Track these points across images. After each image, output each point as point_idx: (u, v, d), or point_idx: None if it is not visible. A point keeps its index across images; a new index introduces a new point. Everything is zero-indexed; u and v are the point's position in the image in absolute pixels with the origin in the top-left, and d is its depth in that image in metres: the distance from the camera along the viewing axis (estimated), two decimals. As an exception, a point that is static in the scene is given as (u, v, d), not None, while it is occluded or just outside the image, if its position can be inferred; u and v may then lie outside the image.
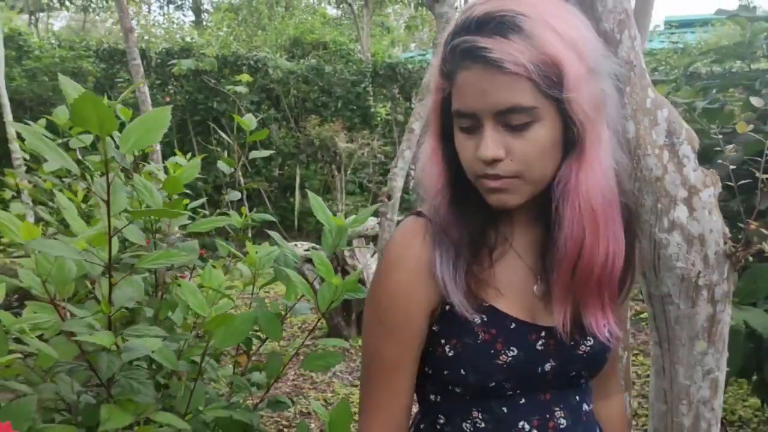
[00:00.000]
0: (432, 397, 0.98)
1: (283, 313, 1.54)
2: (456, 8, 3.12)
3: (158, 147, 4.26)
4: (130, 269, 1.17)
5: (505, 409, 0.92)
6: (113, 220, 1.05)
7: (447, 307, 0.91)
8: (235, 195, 2.22)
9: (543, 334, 0.92)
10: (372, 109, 8.84)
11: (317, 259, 1.41)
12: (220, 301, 1.45)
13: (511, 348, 0.89)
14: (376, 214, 3.88)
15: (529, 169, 0.84)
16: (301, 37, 10.68)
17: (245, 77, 6.75)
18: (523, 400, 0.92)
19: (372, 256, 5.05)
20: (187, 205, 1.75)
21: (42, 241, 0.96)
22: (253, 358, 1.62)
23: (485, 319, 0.90)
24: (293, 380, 4.00)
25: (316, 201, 1.61)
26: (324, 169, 8.21)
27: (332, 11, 15.71)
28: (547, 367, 0.92)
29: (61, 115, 1.81)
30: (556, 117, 0.82)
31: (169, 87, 8.64)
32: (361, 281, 4.72)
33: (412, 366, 0.95)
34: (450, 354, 0.91)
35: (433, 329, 0.93)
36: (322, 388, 3.88)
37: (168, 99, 8.29)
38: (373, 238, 4.74)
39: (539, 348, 0.91)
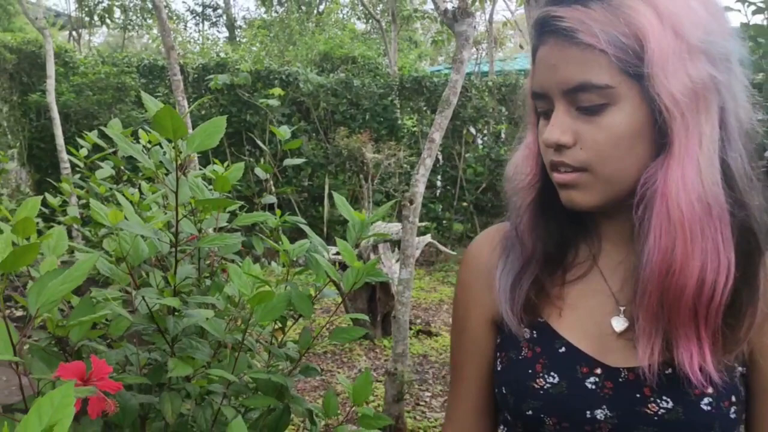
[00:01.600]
0: (501, 427, 0.89)
1: (313, 293, 1.79)
2: (474, 27, 3.37)
3: (195, 157, 4.58)
4: (190, 251, 1.44)
5: None
6: (172, 212, 1.31)
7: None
8: (271, 199, 2.48)
9: (599, 371, 0.77)
10: (399, 121, 9.12)
11: (341, 246, 1.66)
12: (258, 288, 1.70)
13: (552, 374, 0.77)
14: (399, 219, 4.13)
15: (600, 161, 0.72)
16: (331, 51, 11.04)
17: (277, 91, 7.07)
18: None
19: (396, 261, 5.29)
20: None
21: (127, 222, 1.23)
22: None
23: (534, 335, 0.81)
24: (318, 379, 4.25)
25: (339, 199, 1.86)
26: (352, 179, 8.49)
27: (360, 26, 16.10)
28: (600, 415, 0.75)
29: (114, 126, 2.10)
30: (640, 102, 0.70)
31: (205, 100, 9.05)
32: (386, 286, 4.96)
33: (474, 374, 0.88)
34: (498, 369, 0.84)
35: (497, 341, 0.87)
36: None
37: (203, 112, 8.67)
38: (397, 243, 4.98)
39: (589, 386, 0.76)
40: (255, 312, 1.64)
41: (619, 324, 0.78)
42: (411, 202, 3.20)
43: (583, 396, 0.76)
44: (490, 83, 9.41)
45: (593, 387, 0.76)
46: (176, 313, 1.38)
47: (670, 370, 0.73)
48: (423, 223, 4.91)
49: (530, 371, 0.79)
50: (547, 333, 0.80)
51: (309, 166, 8.82)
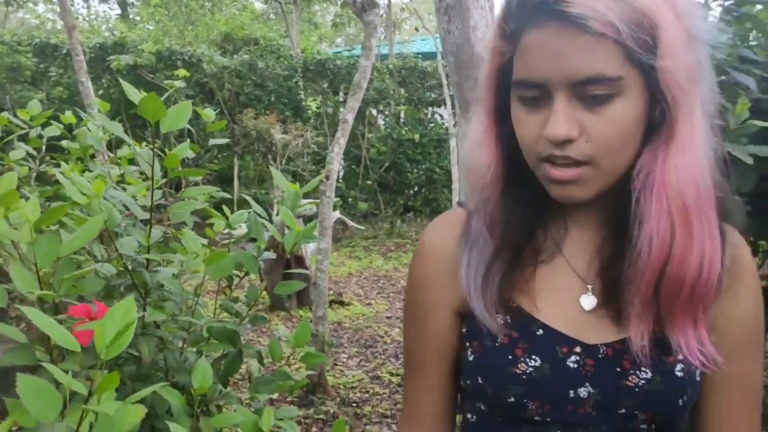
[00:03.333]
0: (469, 415, 0.85)
1: (256, 255, 2.06)
2: (382, 16, 3.68)
3: (104, 141, 4.64)
4: (161, 213, 1.67)
5: None
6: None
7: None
8: (197, 176, 2.70)
9: (579, 350, 0.77)
10: (303, 103, 9.33)
11: (283, 211, 1.94)
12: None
13: (533, 357, 0.76)
14: (315, 195, 4.41)
15: (606, 154, 0.69)
16: (233, 32, 11.04)
17: (183, 72, 7.09)
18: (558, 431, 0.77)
19: (309, 236, 5.56)
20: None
21: (111, 191, 1.46)
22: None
23: (509, 320, 0.78)
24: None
25: (275, 172, 2.13)
26: (259, 160, 8.65)
27: (259, 6, 16.01)
28: (583, 393, 0.76)
29: (33, 108, 2.27)
30: (643, 91, 0.69)
31: (103, 81, 8.87)
32: (300, 259, 5.24)
33: (438, 367, 0.85)
34: (471, 359, 0.80)
35: (462, 331, 0.83)
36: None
37: (101, 92, 8.52)
38: (310, 219, 5.28)
39: (571, 366, 0.76)
40: (208, 270, 1.89)
41: (588, 302, 0.78)
42: (327, 178, 3.50)
43: (566, 376, 0.76)
44: (390, 66, 9.80)
45: (575, 366, 0.76)
46: (148, 268, 1.62)
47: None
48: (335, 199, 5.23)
49: (510, 357, 0.76)
50: (522, 317, 0.78)
51: (214, 148, 8.87)
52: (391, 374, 4.15)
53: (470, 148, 0.80)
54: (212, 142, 2.84)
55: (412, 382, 0.87)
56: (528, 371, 0.76)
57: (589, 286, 0.79)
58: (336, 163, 3.56)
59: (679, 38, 0.67)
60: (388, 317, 5.54)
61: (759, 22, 2.16)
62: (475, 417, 0.83)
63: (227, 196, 2.56)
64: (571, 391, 0.76)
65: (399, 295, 6.30)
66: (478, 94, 0.80)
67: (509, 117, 0.74)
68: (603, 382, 0.75)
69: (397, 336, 4.98)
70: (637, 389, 0.75)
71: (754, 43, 2.25)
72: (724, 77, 1.95)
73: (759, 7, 2.10)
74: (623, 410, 0.75)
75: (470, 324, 0.81)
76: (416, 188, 9.83)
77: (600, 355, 0.76)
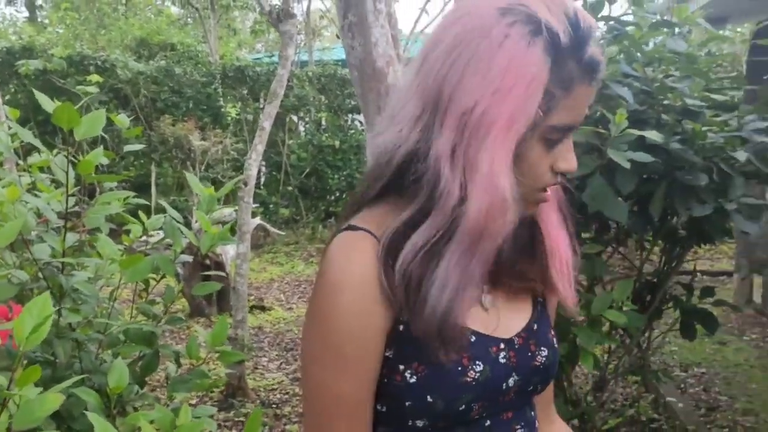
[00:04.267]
0: None
1: (173, 258, 2.12)
2: (297, 26, 3.78)
3: (12, 149, 4.52)
4: (74, 220, 1.72)
5: None
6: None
7: (401, 327, 0.79)
8: (112, 182, 2.71)
9: (503, 346, 0.85)
10: (223, 109, 9.28)
11: (199, 215, 2.01)
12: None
13: (477, 362, 0.81)
14: (233, 202, 4.45)
15: None
16: (148, 37, 10.83)
17: (95, 77, 6.94)
18: (488, 423, 0.85)
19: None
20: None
21: (27, 196, 1.50)
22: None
23: None
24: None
25: (190, 176, 2.19)
26: (177, 167, 8.53)
27: (176, 10, 15.73)
28: (511, 382, 0.85)
29: None
30: None
31: (11, 86, 8.54)
32: (220, 265, 5.24)
33: (370, 407, 0.82)
34: (412, 380, 0.79)
35: (387, 355, 0.81)
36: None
37: (8, 97, 8.20)
38: (231, 226, 5.29)
39: (503, 361, 0.84)
40: (125, 274, 1.94)
41: (487, 301, 0.86)
42: (245, 183, 3.56)
43: (502, 373, 0.83)
44: (310, 73, 9.88)
45: (504, 361, 0.83)
46: (64, 272, 1.66)
47: (536, 326, 0.90)
48: (253, 205, 5.26)
49: (460, 368, 0.80)
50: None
51: (131, 155, 8.69)
52: (312, 375, 4.22)
53: (495, 175, 0.75)
54: (127, 148, 2.85)
55: (345, 430, 0.81)
56: (476, 377, 0.80)
57: (485, 287, 0.85)
58: (254, 169, 3.63)
59: None
60: (310, 321, 5.62)
61: (635, 40, 2.40)
62: None
63: (143, 202, 2.58)
64: (504, 384, 0.84)
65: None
66: (508, 121, 0.74)
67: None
68: (523, 369, 0.85)
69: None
70: (541, 367, 0.87)
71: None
72: (605, 90, 2.17)
73: (631, 27, 2.33)
74: (531, 387, 0.88)
75: (399, 345, 0.80)
76: (337, 194, 9.94)
77: (516, 346, 0.86)
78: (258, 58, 12.49)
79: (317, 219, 9.76)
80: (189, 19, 14.99)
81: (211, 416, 1.90)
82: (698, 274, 6.69)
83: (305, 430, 0.85)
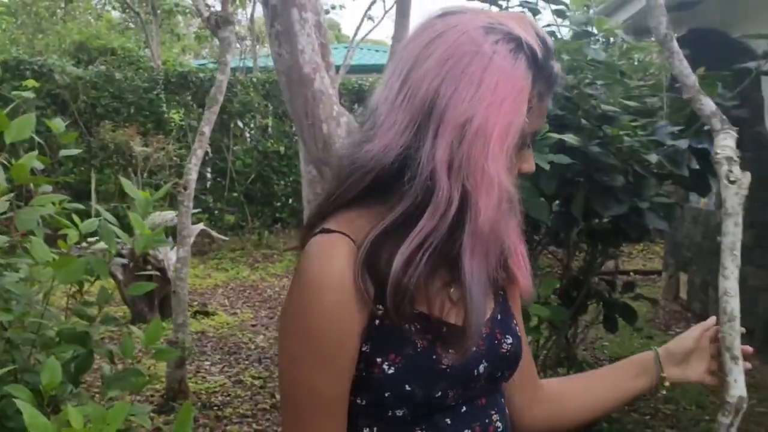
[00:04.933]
0: (366, 430, 0.88)
1: (107, 261, 2.14)
2: (236, 33, 3.83)
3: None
4: (6, 222, 1.74)
5: (448, 421, 0.88)
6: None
7: (377, 322, 0.83)
8: (48, 188, 2.71)
9: None
10: (165, 115, 9.18)
11: (132, 217, 2.04)
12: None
13: (450, 351, 0.85)
14: (172, 207, 4.45)
15: None
16: (87, 42, 10.62)
17: (31, 82, 6.80)
18: (464, 409, 0.89)
19: (172, 248, 5.55)
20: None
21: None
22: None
23: (418, 326, 0.84)
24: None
25: (125, 181, 2.22)
26: (119, 173, 8.40)
27: (117, 15, 15.45)
28: (482, 368, 0.89)
29: None
30: None
31: (-59, 91, 8.27)
32: (162, 271, 5.21)
33: (346, 402, 0.86)
34: (390, 371, 0.83)
35: (363, 350, 0.83)
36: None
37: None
38: (172, 231, 5.27)
39: (473, 348, 0.87)
40: (58, 275, 1.95)
41: (455, 293, 0.87)
42: (185, 188, 3.58)
43: (473, 360, 0.87)
44: (254, 79, 9.87)
45: (475, 348, 0.86)
46: (-5, 274, 1.68)
47: (499, 316, 0.95)
48: (195, 210, 5.24)
49: (434, 357, 0.84)
50: (428, 321, 0.85)
51: (69, 161, 8.53)
52: (254, 377, 4.25)
53: (500, 180, 0.81)
54: (63, 152, 2.83)
55: (323, 427, 0.84)
56: (450, 363, 0.84)
57: (451, 280, 0.88)
58: (194, 174, 3.65)
59: None
60: (253, 325, 5.63)
61: (556, 49, 2.54)
62: (376, 428, 0.87)
63: (81, 207, 2.58)
64: (475, 371, 0.88)
65: (265, 303, 6.39)
66: (506, 133, 0.81)
67: None
68: (491, 355, 0.90)
69: (261, 342, 5.09)
70: (508, 354, 0.93)
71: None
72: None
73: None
74: (499, 374, 0.93)
75: (376, 339, 0.83)
76: (283, 199, 9.94)
77: (485, 335, 0.90)
78: (203, 64, 12.39)
79: (263, 225, 9.74)
80: (130, 24, 14.75)
81: (147, 414, 1.94)
82: (631, 273, 7.03)
83: (283, 426, 0.88)
